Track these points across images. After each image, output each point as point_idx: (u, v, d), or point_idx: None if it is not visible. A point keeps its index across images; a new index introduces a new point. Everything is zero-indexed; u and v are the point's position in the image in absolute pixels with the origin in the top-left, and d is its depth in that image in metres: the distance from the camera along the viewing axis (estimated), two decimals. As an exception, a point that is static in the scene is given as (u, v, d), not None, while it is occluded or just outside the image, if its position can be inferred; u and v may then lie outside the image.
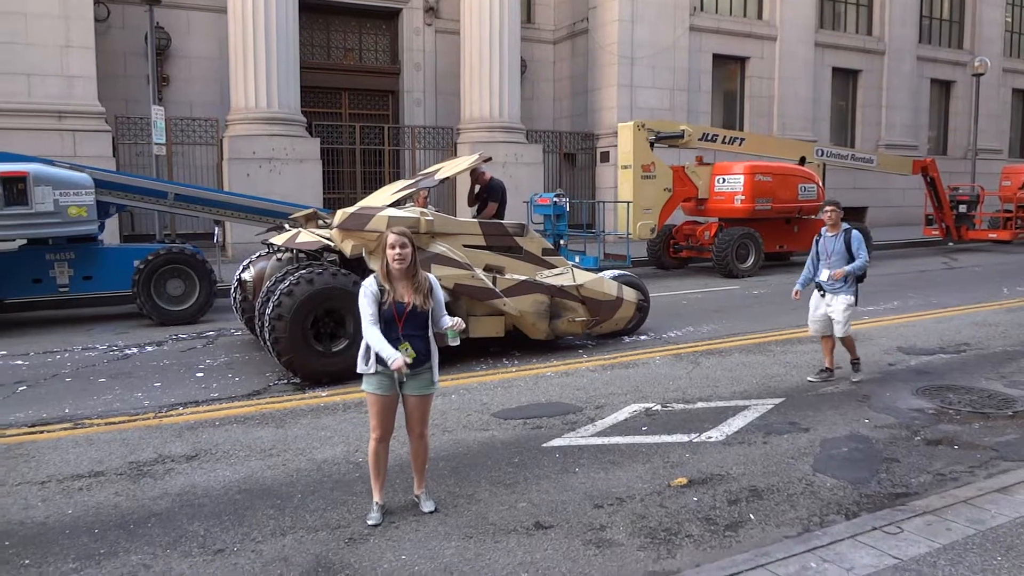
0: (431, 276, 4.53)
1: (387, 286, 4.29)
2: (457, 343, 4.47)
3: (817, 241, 7.37)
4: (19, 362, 8.32)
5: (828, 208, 7.28)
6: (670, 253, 16.42)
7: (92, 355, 8.63)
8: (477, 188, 10.07)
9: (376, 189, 18.79)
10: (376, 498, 4.44)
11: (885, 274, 15.72)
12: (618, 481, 4.96)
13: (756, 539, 4.19)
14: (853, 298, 7.24)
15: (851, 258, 7.13)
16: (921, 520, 4.21)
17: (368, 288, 4.30)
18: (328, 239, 7.63)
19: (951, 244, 21.02)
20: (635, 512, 4.50)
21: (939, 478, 5.09)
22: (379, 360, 4.26)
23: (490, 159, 9.32)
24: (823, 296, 7.30)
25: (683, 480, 4.97)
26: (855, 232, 7.20)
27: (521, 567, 3.86)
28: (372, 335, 4.23)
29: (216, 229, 13.09)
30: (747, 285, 14.10)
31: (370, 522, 4.34)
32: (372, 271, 7.26)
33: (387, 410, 4.38)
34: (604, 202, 16.69)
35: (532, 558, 3.95)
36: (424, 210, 7.83)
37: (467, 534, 4.21)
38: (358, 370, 4.38)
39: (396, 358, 4.14)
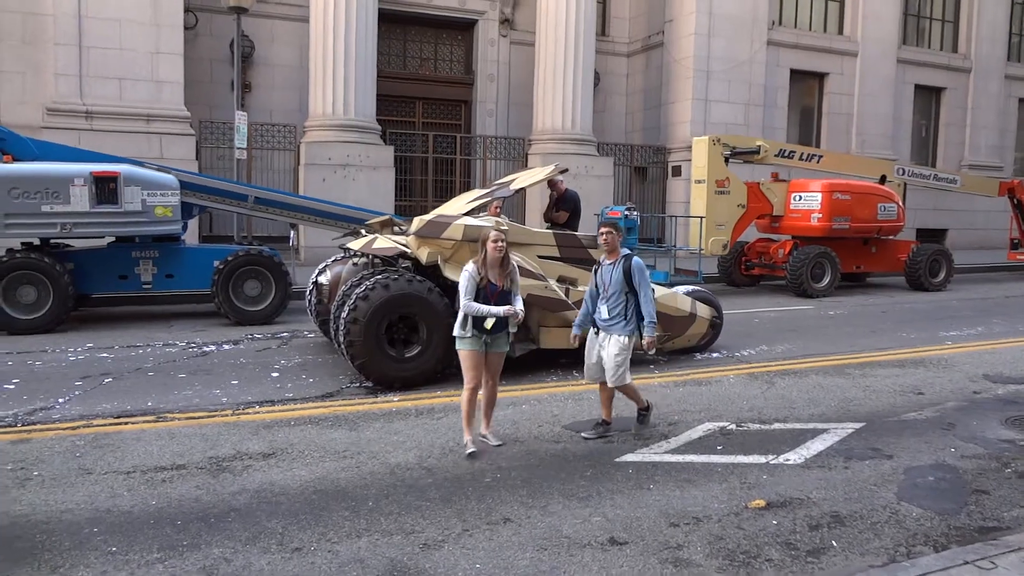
0: (515, 264, 5.86)
1: (483, 271, 5.59)
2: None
3: (595, 270, 6.10)
4: (104, 355, 8.63)
5: (603, 230, 5.98)
6: (741, 270, 16.13)
7: (172, 351, 8.90)
8: (555, 196, 10.07)
9: (447, 198, 19.04)
10: (468, 436, 5.63)
11: (968, 299, 15.15)
12: (694, 500, 4.86)
13: (839, 567, 4.06)
14: (626, 338, 5.87)
15: (632, 291, 5.85)
16: (1016, 556, 4.03)
17: (469, 271, 5.61)
18: (404, 245, 7.71)
19: (1038, 270, 20.14)
20: (712, 533, 4.40)
21: (1033, 514, 4.86)
22: (475, 325, 5.50)
23: (566, 170, 9.31)
24: (598, 335, 6.01)
25: (761, 502, 4.84)
26: (636, 260, 5.91)
27: (596, 582, 3.81)
28: (474, 305, 5.51)
29: (292, 233, 13.40)
30: (822, 305, 13.74)
31: (469, 450, 5.54)
32: (447, 279, 7.38)
33: (478, 363, 5.60)
34: (676, 216, 16.52)
35: (608, 574, 3.89)
36: (499, 220, 7.85)
37: (541, 546, 4.18)
38: (455, 334, 5.62)
39: (505, 308, 5.52)
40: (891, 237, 16.39)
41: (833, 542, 4.34)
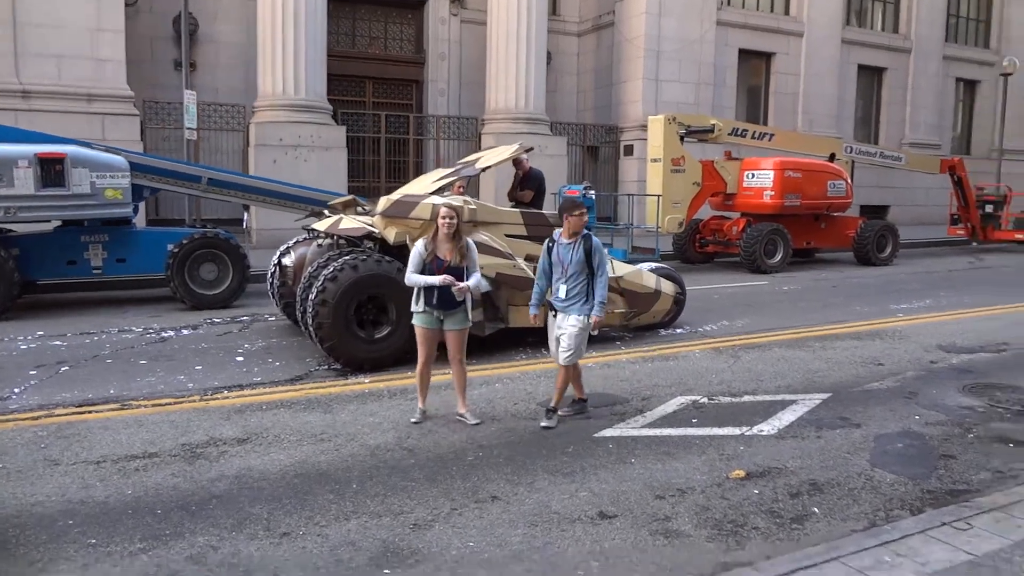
0: (470, 240, 5.81)
1: (432, 246, 5.64)
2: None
3: (549, 250, 5.83)
4: (58, 343, 8.33)
5: (578, 212, 5.70)
6: (696, 247, 16.35)
7: (129, 337, 8.64)
8: (519, 175, 10.04)
9: (400, 178, 18.85)
10: (421, 404, 5.88)
11: (914, 273, 15.63)
12: (676, 472, 4.92)
13: (823, 532, 4.15)
14: (585, 318, 5.69)
15: (591, 271, 5.69)
16: (989, 516, 4.16)
17: (417, 247, 5.70)
18: (371, 226, 7.60)
19: (975, 244, 20.87)
20: (698, 503, 4.46)
21: (999, 475, 5.04)
22: (426, 301, 5.59)
23: (532, 149, 9.28)
24: (555, 317, 5.82)
25: (741, 472, 4.92)
26: (596, 240, 5.76)
27: (591, 556, 3.83)
28: (415, 277, 5.59)
29: (245, 214, 13.10)
30: (776, 281, 14.02)
31: (413, 419, 5.78)
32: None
33: (429, 340, 5.75)
34: (632, 195, 16.62)
35: (601, 547, 3.91)
36: (467, 198, 7.80)
37: (532, 522, 4.18)
38: (411, 309, 5.74)
39: (441, 278, 5.49)
40: (840, 214, 16.78)
41: (815, 509, 4.44)
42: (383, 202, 7.56)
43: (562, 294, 5.73)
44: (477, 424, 5.73)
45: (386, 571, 3.65)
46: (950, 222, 20.99)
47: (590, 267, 5.70)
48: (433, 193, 7.88)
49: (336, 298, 6.97)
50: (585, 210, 5.85)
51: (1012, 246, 20.78)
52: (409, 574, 3.62)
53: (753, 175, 15.46)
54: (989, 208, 20.21)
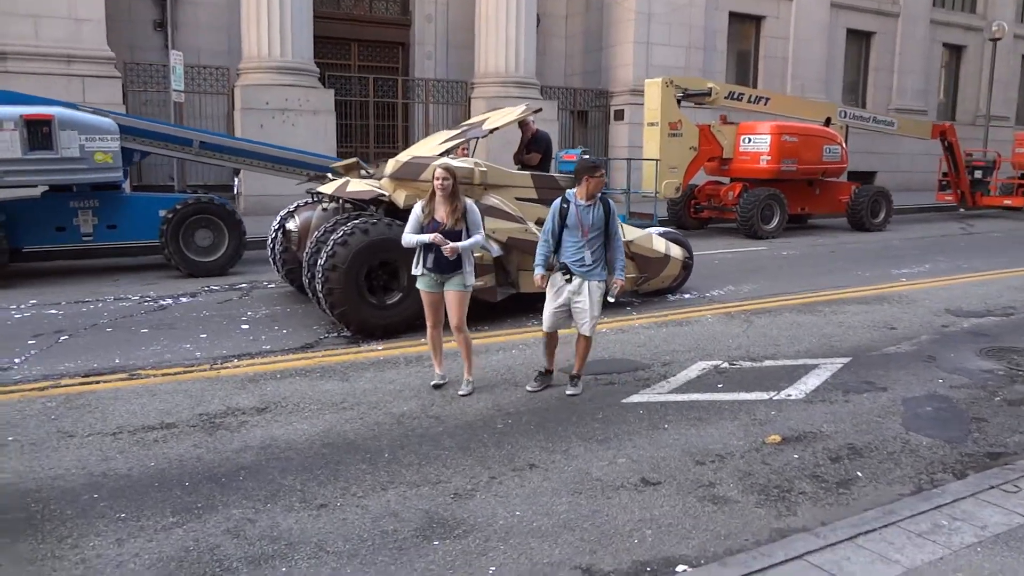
0: (469, 202, 5.61)
1: (429, 207, 5.50)
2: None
3: (563, 210, 5.52)
4: (53, 311, 8.06)
5: (598, 173, 5.49)
6: (691, 213, 16.22)
7: (127, 305, 8.38)
8: (526, 137, 9.81)
9: (388, 142, 18.49)
10: (437, 369, 5.79)
11: (908, 238, 15.64)
12: (711, 438, 4.83)
13: (871, 497, 4.08)
14: (604, 283, 5.62)
15: (608, 234, 5.57)
16: (1034, 479, 4.12)
17: (415, 208, 5.59)
18: (379, 188, 7.37)
19: (962, 210, 20.94)
20: (740, 469, 4.38)
21: (1033, 438, 5.01)
22: (423, 263, 5.49)
23: (539, 110, 9.05)
24: (569, 281, 5.53)
25: (777, 437, 4.84)
26: (610, 200, 5.68)
27: (643, 523, 3.73)
28: (408, 236, 5.51)
29: (235, 179, 12.75)
30: (774, 246, 13.95)
31: (433, 383, 5.71)
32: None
33: (433, 303, 5.62)
34: (631, 160, 16.38)
35: (651, 514, 3.81)
36: (478, 161, 7.59)
37: (575, 490, 4.07)
38: (412, 272, 5.64)
39: (432, 236, 5.36)
40: (834, 179, 16.71)
41: (858, 473, 4.37)
42: (392, 164, 7.34)
43: (587, 259, 5.48)
44: (466, 395, 5.55)
45: (435, 542, 3.52)
46: (939, 188, 21.03)
47: (607, 230, 5.56)
48: (442, 155, 7.65)
49: (347, 263, 6.77)
50: (603, 171, 5.67)
51: (1000, 212, 20.89)
52: (460, 545, 3.50)
53: (750, 140, 15.30)
54: (978, 174, 20.25)
